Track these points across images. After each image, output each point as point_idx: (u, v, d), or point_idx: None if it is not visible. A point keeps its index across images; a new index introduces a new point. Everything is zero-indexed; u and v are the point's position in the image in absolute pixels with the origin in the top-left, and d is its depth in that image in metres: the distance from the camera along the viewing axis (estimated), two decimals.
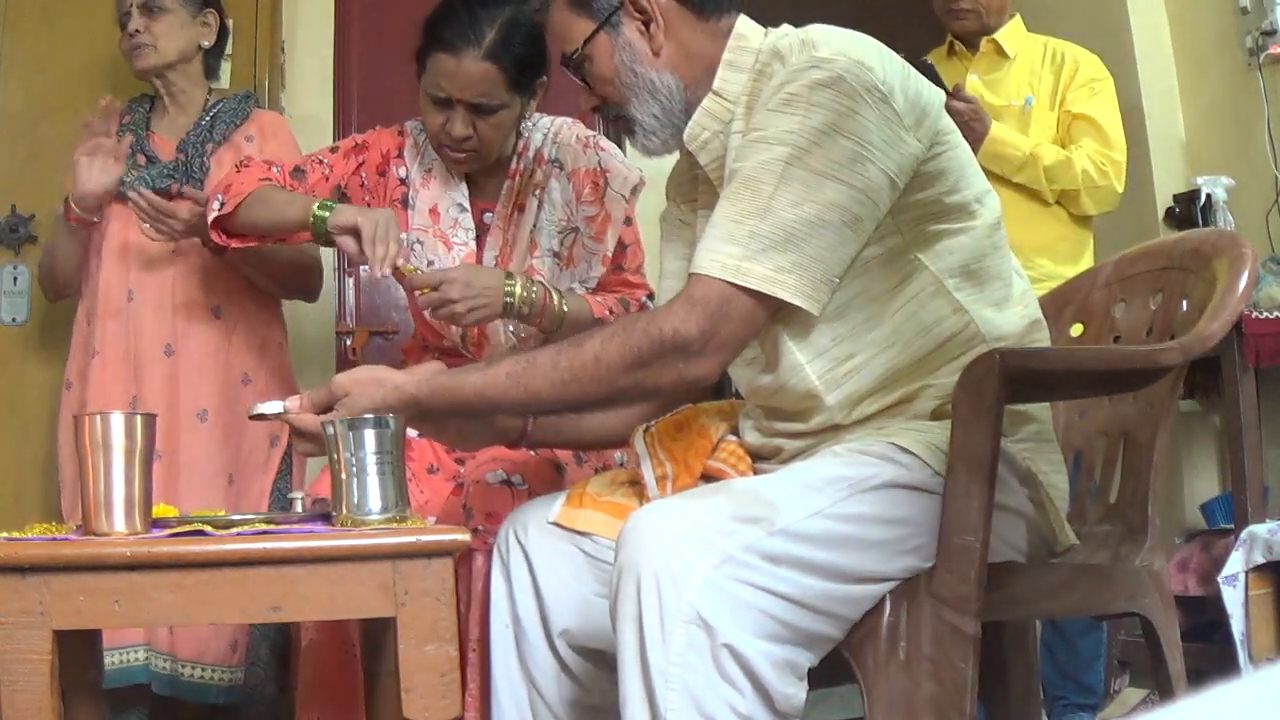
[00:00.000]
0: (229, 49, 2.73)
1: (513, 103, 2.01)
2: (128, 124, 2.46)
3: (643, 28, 1.49)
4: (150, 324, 2.34)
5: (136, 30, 2.36)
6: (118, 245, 2.37)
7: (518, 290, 1.92)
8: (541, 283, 1.97)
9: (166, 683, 2.21)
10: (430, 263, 2.05)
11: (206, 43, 2.48)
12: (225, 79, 2.82)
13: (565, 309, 1.97)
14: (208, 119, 2.44)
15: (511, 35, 1.94)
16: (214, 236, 2.08)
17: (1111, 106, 2.75)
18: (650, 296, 2.10)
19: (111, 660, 2.17)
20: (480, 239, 2.10)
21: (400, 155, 2.13)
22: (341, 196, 2.10)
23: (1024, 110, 2.76)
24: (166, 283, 2.36)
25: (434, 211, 2.10)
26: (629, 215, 2.12)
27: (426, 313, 1.98)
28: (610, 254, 2.11)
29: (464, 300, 1.88)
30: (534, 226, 2.09)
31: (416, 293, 1.90)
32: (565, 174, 2.10)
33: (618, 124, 1.55)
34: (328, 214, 1.90)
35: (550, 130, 2.14)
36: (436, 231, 2.08)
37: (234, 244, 2.08)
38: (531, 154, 2.11)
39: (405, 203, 2.11)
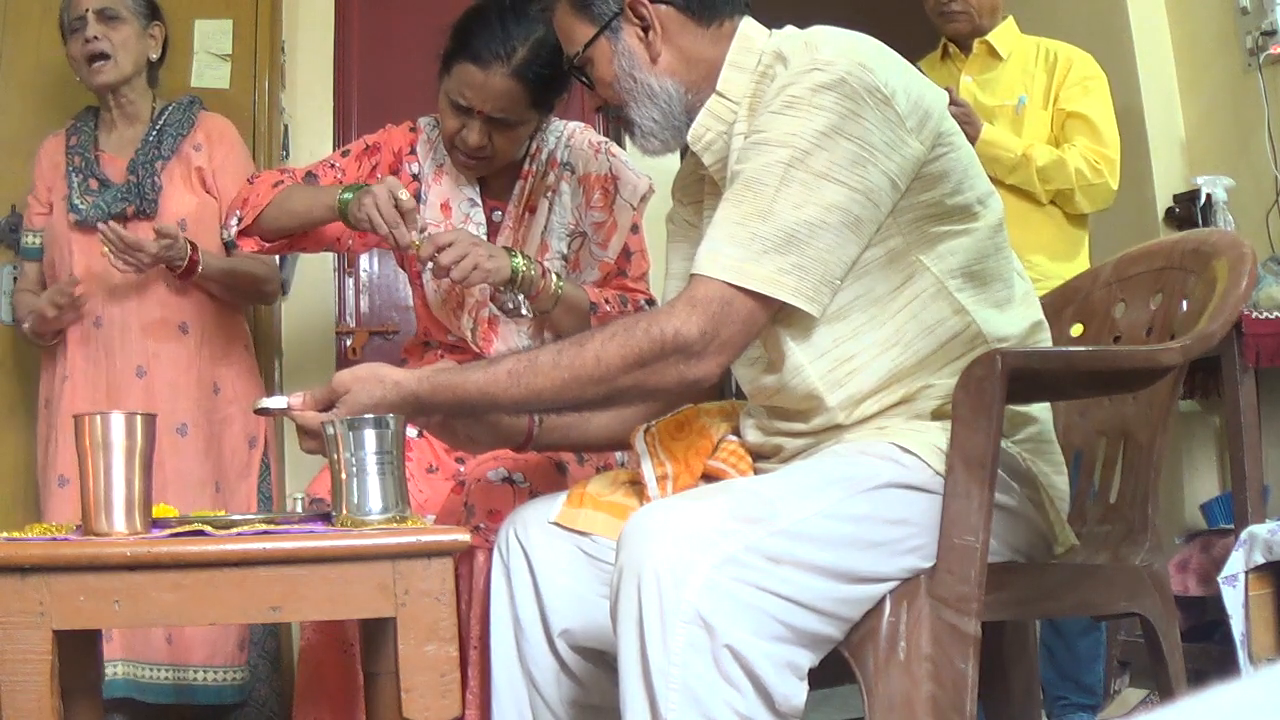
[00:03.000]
0: (229, 49, 2.74)
1: (531, 120, 2.03)
2: (74, 146, 2.46)
3: (641, 34, 1.50)
4: (120, 347, 2.37)
5: (95, 37, 2.35)
6: (82, 273, 2.38)
7: (520, 261, 1.92)
8: (540, 262, 1.98)
9: (169, 691, 2.24)
10: None
11: (154, 55, 2.49)
12: (226, 79, 2.82)
13: (561, 290, 1.97)
14: (154, 132, 2.44)
15: (540, 54, 1.93)
16: (243, 245, 2.10)
17: (1105, 103, 2.74)
18: (650, 302, 2.11)
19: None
20: (490, 236, 2.11)
21: (413, 151, 2.15)
22: None
23: (1017, 110, 2.76)
24: (132, 306, 2.39)
25: (445, 206, 2.11)
26: (635, 223, 2.13)
27: (437, 285, 1.96)
28: (612, 260, 2.11)
29: (484, 247, 1.88)
30: (545, 228, 2.10)
31: (434, 256, 1.85)
32: (576, 178, 2.11)
33: (619, 123, 1.57)
34: (350, 196, 1.93)
35: (563, 134, 2.14)
36: (448, 226, 2.08)
37: (268, 248, 2.12)
38: (544, 156, 2.12)
39: (417, 198, 2.11)
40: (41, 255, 2.49)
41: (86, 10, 2.37)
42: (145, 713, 2.26)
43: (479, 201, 2.12)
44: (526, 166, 2.12)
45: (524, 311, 2.05)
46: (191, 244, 2.30)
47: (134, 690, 2.22)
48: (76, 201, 2.39)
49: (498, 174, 2.12)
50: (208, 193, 2.45)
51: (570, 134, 2.14)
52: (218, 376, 2.44)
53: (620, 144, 2.21)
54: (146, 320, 2.39)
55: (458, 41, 1.96)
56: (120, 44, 2.39)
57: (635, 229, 2.14)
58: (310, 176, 2.11)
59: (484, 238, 2.09)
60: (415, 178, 2.13)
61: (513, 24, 1.93)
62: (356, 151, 2.16)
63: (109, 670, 2.20)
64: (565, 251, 2.11)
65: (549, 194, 2.10)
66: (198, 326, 2.42)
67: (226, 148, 2.48)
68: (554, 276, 1.97)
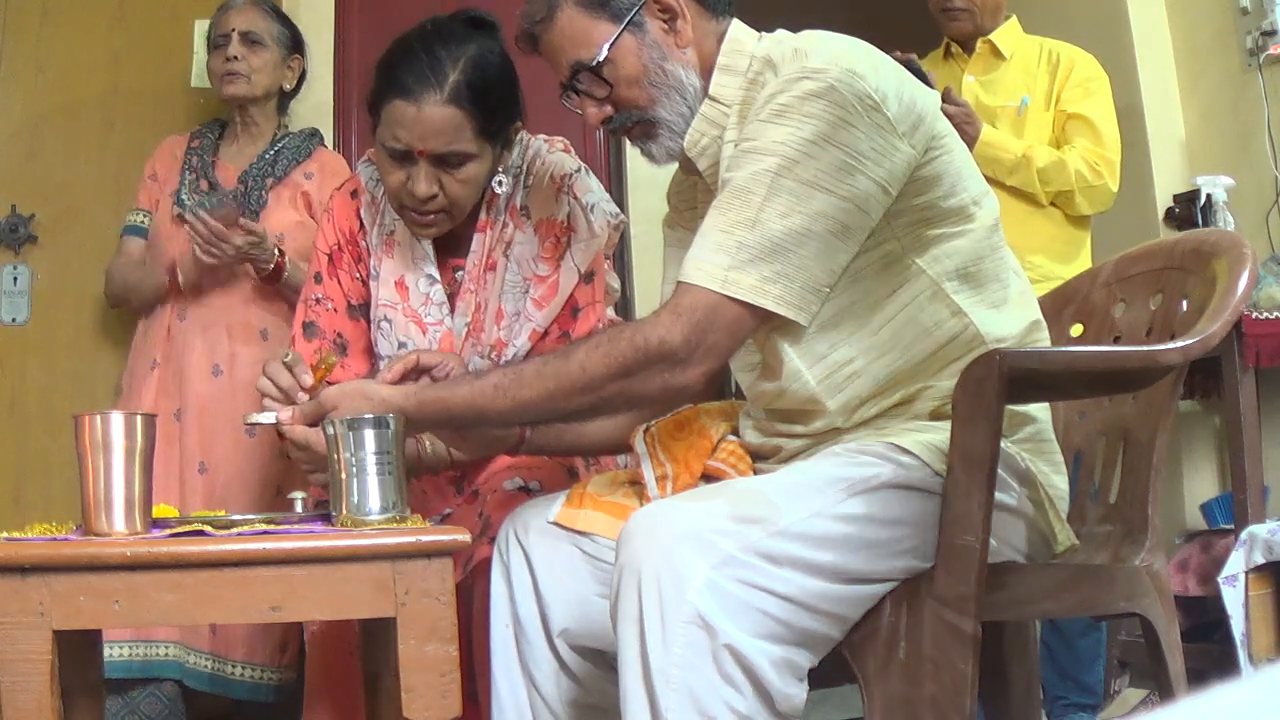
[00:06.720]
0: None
1: (482, 153, 1.78)
2: (195, 148, 2.54)
3: (665, 25, 1.48)
4: (200, 344, 2.42)
5: (235, 58, 2.45)
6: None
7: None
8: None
9: (206, 679, 2.27)
10: (402, 344, 1.87)
11: (288, 85, 2.58)
12: None
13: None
14: (271, 153, 2.51)
15: (477, 75, 1.73)
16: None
17: (1106, 105, 2.74)
18: None
19: (137, 652, 2.23)
20: (451, 299, 1.90)
21: (361, 225, 1.93)
22: (363, 306, 1.94)
23: (1019, 111, 2.76)
24: (218, 305, 2.44)
25: (400, 285, 1.90)
26: (593, 270, 1.88)
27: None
28: (543, 328, 1.85)
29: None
30: (501, 291, 1.88)
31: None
32: (532, 225, 1.88)
33: (632, 133, 1.52)
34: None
35: (523, 169, 1.90)
36: (407, 310, 1.88)
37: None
38: (503, 202, 1.88)
39: (371, 274, 1.92)
40: (144, 235, 2.56)
41: (232, 30, 2.48)
42: (196, 699, 2.30)
43: (437, 276, 1.89)
44: (484, 216, 1.88)
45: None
46: (280, 251, 2.37)
47: (179, 673, 2.26)
48: (184, 197, 2.46)
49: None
50: (310, 216, 2.51)
51: (533, 167, 1.90)
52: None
53: (621, 162, 2.14)
54: (230, 321, 2.44)
55: (382, 79, 1.75)
56: (258, 67, 2.49)
57: (590, 277, 1.87)
58: (310, 328, 1.91)
59: (448, 319, 1.88)
60: (370, 250, 1.93)
61: (439, 47, 1.73)
62: (324, 271, 1.93)
63: (161, 651, 2.24)
64: (520, 309, 1.88)
65: (505, 249, 1.88)
66: (279, 334, 2.45)
67: (336, 183, 2.52)
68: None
